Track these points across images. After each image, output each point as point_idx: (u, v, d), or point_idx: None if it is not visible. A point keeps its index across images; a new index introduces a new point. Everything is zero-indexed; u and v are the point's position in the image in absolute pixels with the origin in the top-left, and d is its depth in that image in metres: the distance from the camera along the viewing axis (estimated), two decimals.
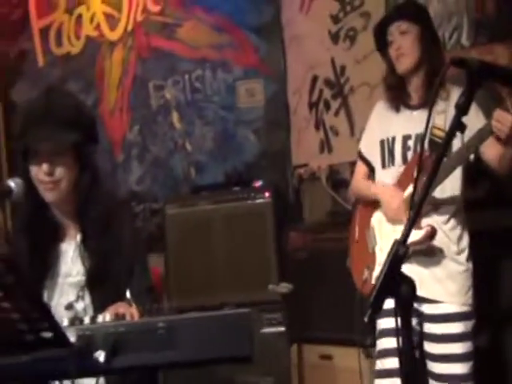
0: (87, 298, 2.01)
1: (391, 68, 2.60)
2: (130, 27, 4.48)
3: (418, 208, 1.44)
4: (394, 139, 2.59)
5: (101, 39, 4.55)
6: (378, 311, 1.33)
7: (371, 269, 2.59)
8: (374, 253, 2.62)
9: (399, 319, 1.35)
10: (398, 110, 2.60)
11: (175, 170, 4.40)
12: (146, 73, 4.46)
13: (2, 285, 1.23)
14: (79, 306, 2.00)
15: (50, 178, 1.96)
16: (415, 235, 2.35)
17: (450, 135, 1.45)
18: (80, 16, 4.58)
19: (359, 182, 2.78)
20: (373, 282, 2.55)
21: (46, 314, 1.30)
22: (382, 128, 2.66)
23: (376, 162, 2.68)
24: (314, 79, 4.01)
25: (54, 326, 1.33)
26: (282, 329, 3.45)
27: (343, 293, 2.92)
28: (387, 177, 2.63)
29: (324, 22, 3.92)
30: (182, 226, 3.79)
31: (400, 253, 1.38)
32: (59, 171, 1.96)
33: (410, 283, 1.37)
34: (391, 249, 1.39)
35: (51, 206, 2.04)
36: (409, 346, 1.35)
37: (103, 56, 4.55)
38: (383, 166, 2.64)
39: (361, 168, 2.78)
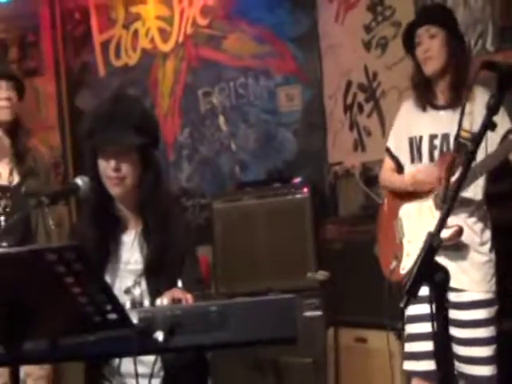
0: (143, 284, 2.02)
1: (418, 68, 2.52)
2: (180, 40, 4.49)
3: (449, 206, 1.41)
4: (421, 138, 2.53)
5: (155, 51, 4.57)
6: (413, 297, 1.31)
7: (399, 259, 2.53)
8: (401, 244, 2.56)
9: (434, 304, 1.32)
10: (424, 109, 2.53)
11: (221, 168, 4.40)
12: (195, 81, 4.46)
13: (73, 271, 1.23)
14: (136, 291, 2.02)
15: (116, 174, 1.97)
16: (444, 233, 2.29)
17: (482, 134, 1.42)
18: (136, 30, 4.61)
19: (392, 176, 2.71)
20: (401, 271, 2.50)
21: (111, 297, 1.31)
22: (410, 126, 2.59)
23: (404, 158, 2.62)
24: (349, 84, 3.98)
25: (119, 308, 1.33)
26: (320, 313, 3.42)
27: (375, 280, 2.88)
28: None
29: (357, 32, 3.88)
30: (227, 219, 3.80)
31: (434, 243, 1.35)
32: (125, 168, 1.97)
33: (444, 271, 1.34)
34: (426, 240, 1.36)
35: (115, 200, 2.06)
36: (443, 330, 1.32)
37: (157, 66, 4.57)
38: (412, 162, 2.57)
39: (389, 163, 2.72)
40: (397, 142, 2.67)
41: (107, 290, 1.30)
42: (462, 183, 1.43)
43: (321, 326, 3.40)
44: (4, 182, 2.60)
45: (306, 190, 3.70)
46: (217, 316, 1.48)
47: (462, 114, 1.65)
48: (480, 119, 2.34)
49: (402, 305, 1.31)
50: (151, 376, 1.77)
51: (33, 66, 4.59)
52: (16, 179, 2.62)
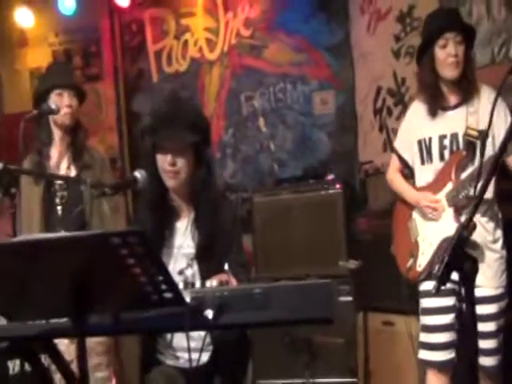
0: (195, 267, 2.04)
1: (431, 68, 2.36)
2: (225, 49, 4.49)
3: (477, 201, 1.38)
4: (430, 140, 2.41)
5: (202, 59, 4.58)
6: (444, 284, 1.28)
7: (415, 257, 2.43)
8: (416, 242, 2.46)
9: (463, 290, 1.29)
10: (435, 112, 2.40)
11: (261, 165, 4.40)
12: (238, 86, 4.46)
13: (134, 254, 1.23)
14: (188, 272, 2.04)
15: (172, 168, 2.00)
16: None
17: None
18: (186, 41, 4.62)
19: (401, 184, 2.58)
20: (417, 269, 2.40)
21: (167, 278, 1.31)
22: (418, 128, 2.47)
23: (413, 159, 2.50)
24: (378, 90, 3.93)
25: (174, 288, 1.33)
26: (350, 299, 3.40)
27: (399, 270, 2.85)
28: (427, 172, 2.46)
29: (387, 41, 3.83)
30: (266, 211, 3.79)
31: (463, 235, 1.32)
32: (180, 163, 1.99)
33: (472, 261, 1.31)
34: (456, 231, 1.34)
35: (170, 191, 2.08)
36: (472, 313, 1.29)
37: (204, 73, 4.58)
38: (422, 163, 2.46)
39: (395, 163, 2.61)
40: (405, 143, 2.55)
41: (164, 272, 1.30)
42: (488, 184, 1.38)
43: (351, 310, 3.37)
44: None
45: (338, 186, 3.67)
46: (261, 297, 1.47)
47: (492, 114, 1.59)
48: (486, 117, 2.28)
49: (433, 291, 1.28)
50: (201, 350, 1.78)
51: (94, 73, 4.66)
52: (73, 173, 2.66)
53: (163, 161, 2.00)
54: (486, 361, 2.26)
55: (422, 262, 2.40)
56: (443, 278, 1.26)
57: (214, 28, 4.52)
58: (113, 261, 1.24)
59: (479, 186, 1.42)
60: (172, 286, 1.33)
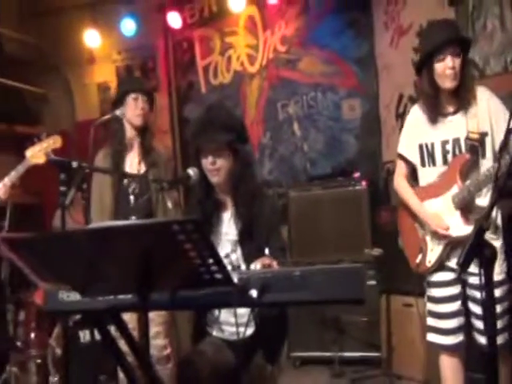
0: (239, 251, 2.04)
1: (431, 80, 2.20)
2: (264, 63, 4.48)
3: (495, 198, 1.33)
4: (432, 145, 2.25)
5: (244, 72, 4.57)
6: (465, 270, 1.24)
7: (424, 254, 2.28)
8: (424, 239, 2.30)
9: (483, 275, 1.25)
10: (436, 119, 2.23)
11: (295, 164, 4.36)
12: (275, 95, 4.44)
13: (191, 239, 1.24)
14: (233, 256, 2.04)
15: (213, 167, 2.00)
16: (467, 230, 2.12)
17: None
18: (230, 56, 4.62)
19: (404, 186, 2.37)
20: (427, 264, 2.27)
21: (218, 261, 1.31)
22: (420, 134, 2.29)
23: (416, 162, 2.34)
24: (400, 97, 3.86)
25: (223, 270, 1.33)
26: (374, 282, 3.37)
27: None
28: (429, 174, 2.30)
29: (408, 53, 3.75)
30: (300, 205, 3.79)
31: (483, 226, 1.28)
32: (219, 162, 2.00)
33: (491, 248, 1.26)
34: (476, 223, 1.29)
35: (215, 187, 2.09)
36: (491, 297, 1.24)
37: (245, 84, 4.57)
38: (423, 165, 2.30)
39: (402, 168, 2.40)
40: (407, 148, 2.36)
41: (215, 255, 1.30)
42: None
43: (375, 292, 3.33)
44: (134, 170, 2.69)
45: (364, 182, 3.63)
46: (299, 279, 1.45)
47: (510, 119, 1.49)
48: (486, 117, 2.16)
49: (456, 275, 1.24)
50: (246, 325, 1.78)
51: (152, 85, 4.71)
52: (143, 168, 2.69)
53: (205, 161, 2.01)
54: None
55: (432, 258, 2.27)
56: (465, 266, 1.22)
57: (254, 45, 4.51)
58: (172, 245, 1.24)
59: (497, 180, 1.36)
60: (222, 267, 1.33)
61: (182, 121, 4.77)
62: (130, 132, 2.73)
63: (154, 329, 2.49)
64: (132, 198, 2.64)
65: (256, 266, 1.63)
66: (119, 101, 2.71)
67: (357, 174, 3.77)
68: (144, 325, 1.42)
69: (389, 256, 3.23)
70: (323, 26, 4.21)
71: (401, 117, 3.83)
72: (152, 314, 2.52)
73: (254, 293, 1.45)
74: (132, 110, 2.67)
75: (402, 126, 3.80)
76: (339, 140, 4.19)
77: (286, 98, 4.38)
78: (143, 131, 2.72)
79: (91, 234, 1.29)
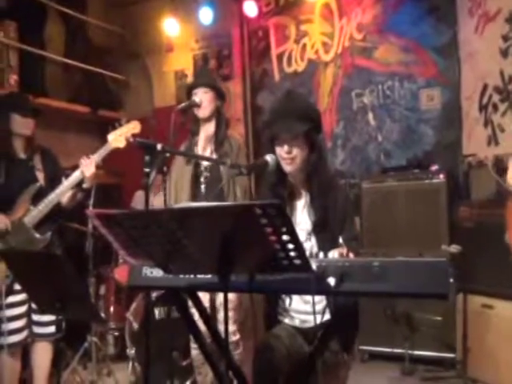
0: (313, 240, 2.01)
1: None
2: (339, 51, 4.39)
3: None
4: None
5: (318, 60, 4.51)
6: None
7: None
8: None
9: None
10: None
11: (369, 155, 4.26)
12: (349, 84, 4.35)
13: (272, 223, 1.23)
14: (307, 244, 2.00)
15: (288, 156, 1.98)
16: None
17: None
18: (304, 44, 4.58)
19: None
20: None
21: (298, 247, 1.29)
22: None
23: None
24: (485, 87, 3.63)
25: (303, 256, 1.32)
26: (451, 280, 3.21)
27: (501, 256, 2.64)
28: None
29: (495, 41, 3.52)
30: (372, 196, 3.70)
31: None
32: (295, 151, 1.97)
33: None
34: None
35: (289, 175, 2.07)
36: None
37: (319, 72, 4.51)
38: None
39: None
40: None
41: (296, 241, 1.28)
42: None
43: (451, 291, 3.17)
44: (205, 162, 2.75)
45: (442, 176, 3.48)
46: (379, 270, 1.41)
47: None
48: None
49: None
50: (323, 312, 1.76)
51: (226, 73, 4.78)
52: (214, 157, 2.74)
53: (280, 150, 1.99)
54: None
55: None
56: None
57: (330, 32, 4.44)
58: (253, 228, 1.24)
59: None
60: (302, 253, 1.31)
61: (255, 109, 4.79)
62: (202, 124, 2.80)
63: (222, 313, 2.53)
64: (203, 186, 2.70)
65: (334, 254, 1.61)
66: (190, 93, 2.79)
67: (434, 167, 3.62)
68: (225, 305, 1.43)
69: (467, 254, 3.08)
70: (401, 13, 4.07)
71: (485, 108, 3.62)
72: (222, 299, 2.57)
73: (331, 281, 1.43)
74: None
75: (485, 118, 3.64)
76: (416, 131, 4.04)
77: (361, 86, 4.28)
78: (216, 123, 2.77)
79: (176, 213, 1.32)
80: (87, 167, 2.64)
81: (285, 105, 2.00)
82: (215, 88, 2.81)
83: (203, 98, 2.74)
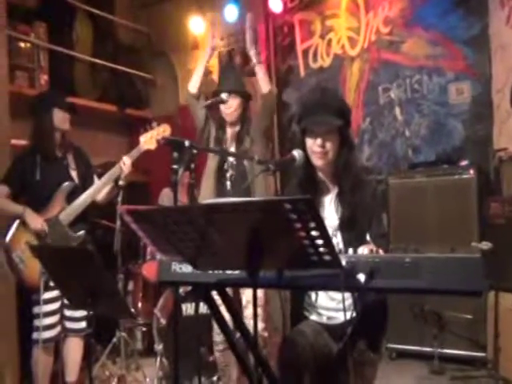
0: (339, 236, 1.98)
1: None
2: (365, 45, 4.33)
3: None
4: None
5: (344, 55, 4.46)
6: None
7: None
8: None
9: None
10: None
11: (396, 150, 4.19)
12: (376, 79, 4.29)
13: (302, 219, 1.21)
14: (334, 240, 1.99)
15: (321, 150, 1.95)
16: None
17: None
18: (330, 40, 4.53)
19: None
20: None
21: (328, 242, 1.27)
22: None
23: None
24: None
25: (332, 251, 1.29)
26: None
27: None
28: None
29: None
30: (400, 192, 3.64)
31: None
32: (328, 145, 1.95)
33: None
34: None
35: (317, 170, 2.04)
36: None
37: (346, 67, 4.46)
38: None
39: None
40: None
41: (325, 236, 1.26)
42: None
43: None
44: (230, 159, 2.76)
45: (472, 171, 3.40)
46: (410, 266, 1.37)
47: None
48: None
49: None
50: (354, 308, 1.74)
51: (251, 69, 4.76)
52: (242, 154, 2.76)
53: (312, 143, 1.96)
54: None
55: None
56: None
57: (356, 27, 4.38)
58: (283, 224, 1.22)
59: None
60: (331, 249, 1.29)
61: (281, 105, 4.72)
62: (227, 124, 2.83)
63: (249, 311, 2.53)
64: (229, 183, 2.71)
65: (364, 250, 1.58)
66: (216, 94, 2.80)
67: (464, 162, 3.54)
68: (254, 301, 1.42)
69: (498, 251, 3.00)
70: (429, 6, 3.99)
71: None
72: (249, 296, 2.57)
73: (361, 277, 1.40)
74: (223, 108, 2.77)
75: None
76: (445, 125, 3.96)
77: (388, 81, 4.21)
78: (240, 125, 2.80)
79: (206, 209, 1.32)
80: (127, 166, 2.72)
81: (321, 99, 1.98)
82: (242, 92, 2.83)
83: (231, 103, 2.76)
